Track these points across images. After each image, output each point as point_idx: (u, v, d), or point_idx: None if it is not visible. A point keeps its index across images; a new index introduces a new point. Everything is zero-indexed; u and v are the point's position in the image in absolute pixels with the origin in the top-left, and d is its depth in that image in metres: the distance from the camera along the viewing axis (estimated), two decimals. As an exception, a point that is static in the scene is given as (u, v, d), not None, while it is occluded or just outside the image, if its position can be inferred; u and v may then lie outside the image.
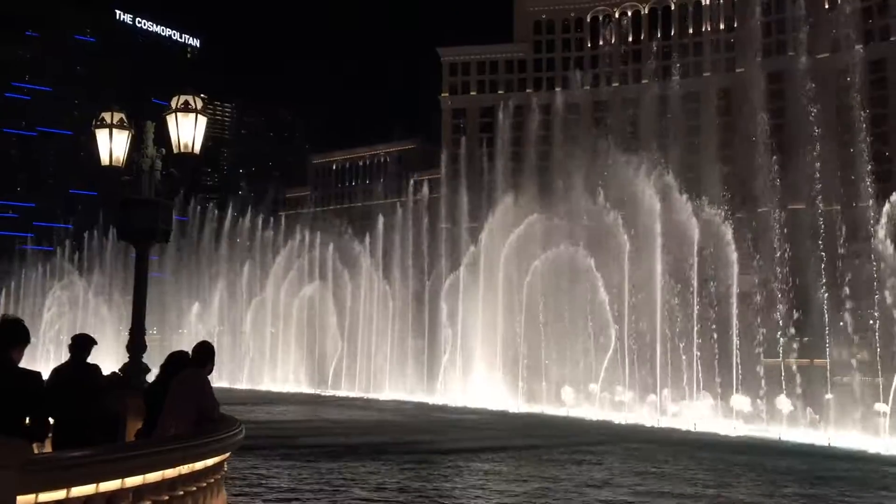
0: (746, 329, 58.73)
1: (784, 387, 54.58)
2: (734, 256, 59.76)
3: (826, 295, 56.92)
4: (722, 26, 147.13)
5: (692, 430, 50.73)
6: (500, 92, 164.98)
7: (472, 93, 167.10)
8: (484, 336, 73.81)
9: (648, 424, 54.24)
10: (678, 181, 63.79)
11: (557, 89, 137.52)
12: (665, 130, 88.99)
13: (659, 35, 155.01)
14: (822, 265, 57.94)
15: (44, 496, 5.58)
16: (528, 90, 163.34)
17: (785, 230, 60.52)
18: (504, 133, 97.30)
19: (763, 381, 54.79)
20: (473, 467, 30.63)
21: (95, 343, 10.90)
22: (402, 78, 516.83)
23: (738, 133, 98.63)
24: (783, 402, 52.99)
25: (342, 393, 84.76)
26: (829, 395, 53.13)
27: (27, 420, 6.98)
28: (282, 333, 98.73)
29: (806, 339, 63.19)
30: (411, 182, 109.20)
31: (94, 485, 6.02)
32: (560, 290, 70.27)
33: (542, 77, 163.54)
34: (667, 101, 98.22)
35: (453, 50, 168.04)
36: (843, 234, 58.99)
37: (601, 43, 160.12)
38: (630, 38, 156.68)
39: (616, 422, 55.99)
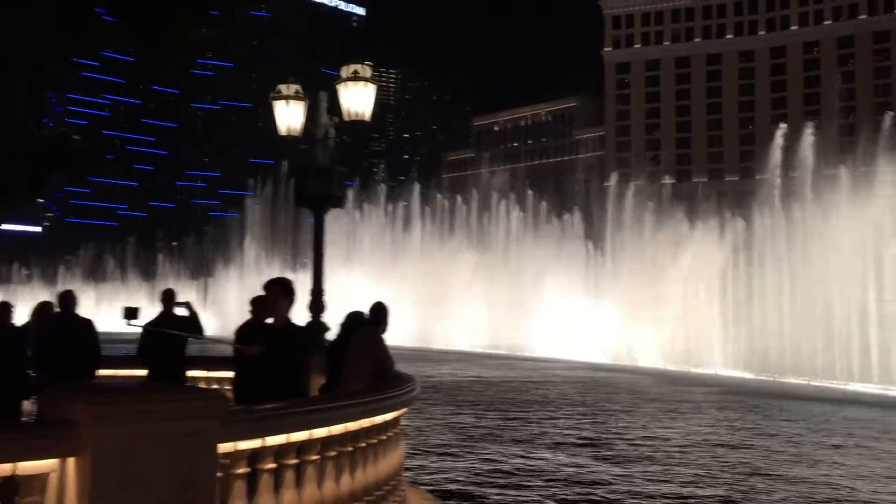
0: None
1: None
2: None
3: None
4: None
5: None
6: (665, 43, 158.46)
7: (636, 46, 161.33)
8: None
9: None
10: None
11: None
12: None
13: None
14: None
15: (242, 445, 6.06)
16: (696, 39, 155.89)
17: None
18: None
19: None
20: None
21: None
22: (563, 34, 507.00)
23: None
24: None
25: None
26: None
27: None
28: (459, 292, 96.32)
29: None
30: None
31: (286, 435, 6.45)
32: None
33: (710, 25, 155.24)
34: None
35: (616, 2, 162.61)
36: None
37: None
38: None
39: None
